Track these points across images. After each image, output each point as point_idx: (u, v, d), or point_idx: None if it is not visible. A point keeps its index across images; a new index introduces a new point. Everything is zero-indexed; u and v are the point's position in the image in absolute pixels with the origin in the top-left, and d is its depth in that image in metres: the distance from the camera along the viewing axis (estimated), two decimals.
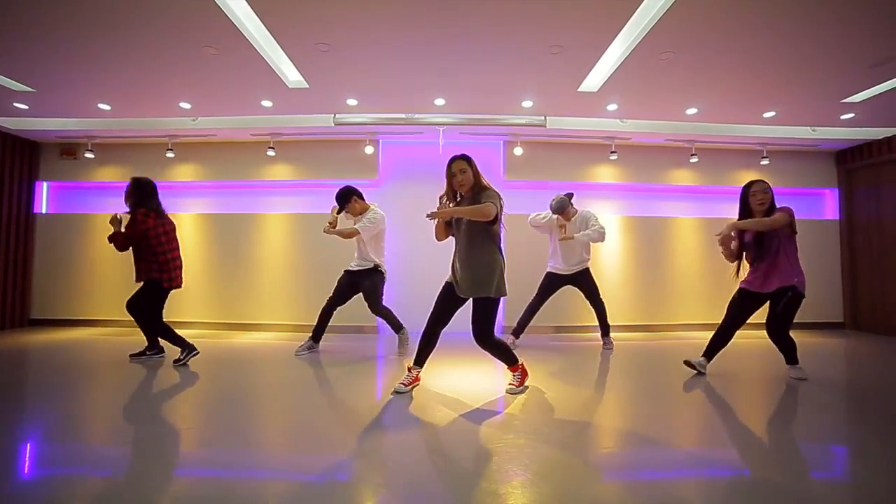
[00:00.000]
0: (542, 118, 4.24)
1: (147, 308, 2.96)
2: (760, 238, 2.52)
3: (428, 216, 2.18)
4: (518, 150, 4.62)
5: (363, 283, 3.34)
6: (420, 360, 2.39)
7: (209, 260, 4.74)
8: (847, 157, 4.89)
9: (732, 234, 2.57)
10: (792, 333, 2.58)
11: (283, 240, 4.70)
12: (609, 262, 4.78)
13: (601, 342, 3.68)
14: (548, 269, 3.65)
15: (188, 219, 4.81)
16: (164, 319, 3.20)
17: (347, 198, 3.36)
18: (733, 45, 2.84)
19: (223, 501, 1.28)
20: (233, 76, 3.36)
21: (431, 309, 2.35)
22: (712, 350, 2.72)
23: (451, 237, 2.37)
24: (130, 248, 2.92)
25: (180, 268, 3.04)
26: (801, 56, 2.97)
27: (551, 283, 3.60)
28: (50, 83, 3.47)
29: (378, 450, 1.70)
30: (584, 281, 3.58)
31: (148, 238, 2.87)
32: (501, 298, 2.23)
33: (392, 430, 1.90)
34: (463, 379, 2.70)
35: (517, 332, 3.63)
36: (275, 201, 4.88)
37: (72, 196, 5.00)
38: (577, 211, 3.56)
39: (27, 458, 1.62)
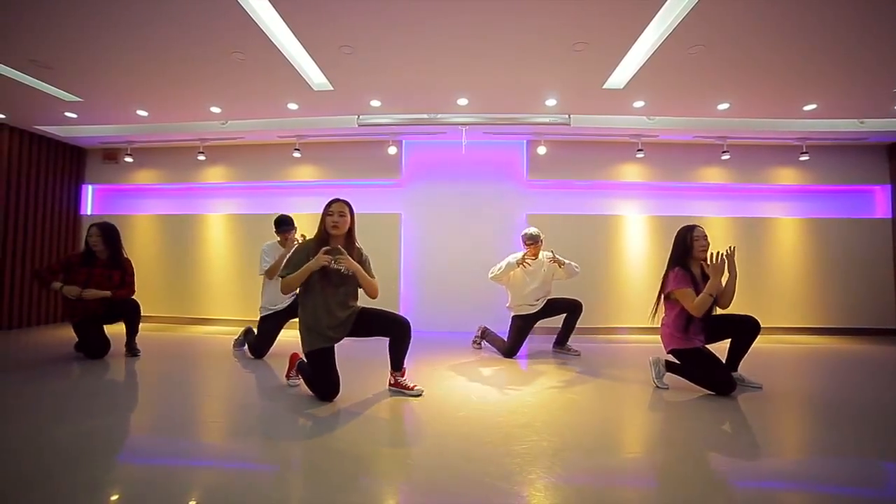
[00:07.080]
0: (567, 116, 4.16)
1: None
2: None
3: (337, 259, 2.15)
4: (542, 150, 4.55)
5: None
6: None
7: (238, 259, 4.90)
8: None
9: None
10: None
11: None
12: (637, 263, 4.64)
13: (568, 350, 3.53)
14: (514, 314, 3.43)
15: (218, 219, 4.99)
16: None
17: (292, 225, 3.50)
18: (769, 35, 2.70)
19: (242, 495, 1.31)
20: (260, 80, 3.46)
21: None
22: (733, 360, 2.61)
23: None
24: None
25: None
26: (846, 43, 2.78)
27: (526, 325, 3.40)
28: (95, 92, 3.68)
29: (398, 449, 1.71)
30: (553, 305, 3.45)
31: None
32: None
33: (412, 430, 1.90)
34: (483, 380, 2.67)
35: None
36: (301, 201, 5.00)
37: (114, 198, 5.29)
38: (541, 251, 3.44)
39: None
